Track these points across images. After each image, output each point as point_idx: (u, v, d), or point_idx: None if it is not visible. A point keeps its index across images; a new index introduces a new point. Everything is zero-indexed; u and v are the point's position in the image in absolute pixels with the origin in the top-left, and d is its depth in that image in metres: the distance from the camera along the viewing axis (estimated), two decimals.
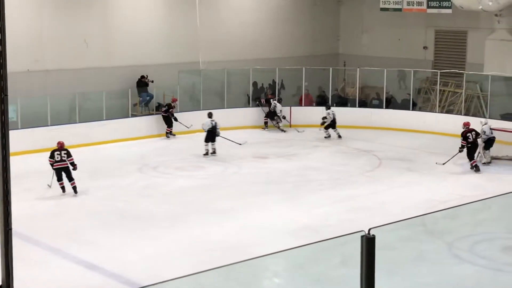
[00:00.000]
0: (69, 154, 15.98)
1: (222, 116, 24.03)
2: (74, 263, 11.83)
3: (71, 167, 15.99)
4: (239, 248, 12.64)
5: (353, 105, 25.79)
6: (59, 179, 15.97)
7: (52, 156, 15.96)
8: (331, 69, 25.98)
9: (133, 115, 23.35)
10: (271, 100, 24.54)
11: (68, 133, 21.14)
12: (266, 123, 24.64)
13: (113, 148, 21.35)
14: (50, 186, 16.17)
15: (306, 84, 26.06)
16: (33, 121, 20.85)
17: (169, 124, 22.77)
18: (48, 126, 20.96)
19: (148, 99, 24.10)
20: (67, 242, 12.84)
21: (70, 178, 15.97)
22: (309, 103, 26.31)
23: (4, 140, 6.68)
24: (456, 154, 18.46)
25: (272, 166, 19.30)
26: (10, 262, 6.89)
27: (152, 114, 23.78)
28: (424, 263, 10.45)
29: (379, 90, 26.04)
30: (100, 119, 22.05)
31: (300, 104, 26.08)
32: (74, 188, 16.06)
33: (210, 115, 20.62)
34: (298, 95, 26.64)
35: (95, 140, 21.35)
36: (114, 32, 24.29)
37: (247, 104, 26.12)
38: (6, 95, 6.64)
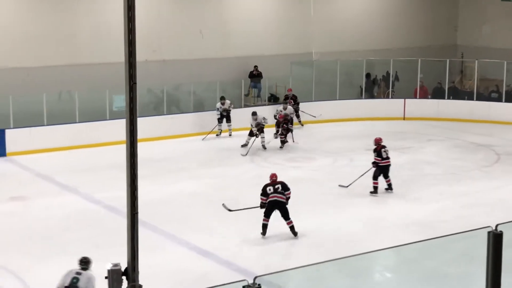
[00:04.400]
0: (285, 188, 12.96)
1: (334, 108, 23.95)
2: (187, 249, 12.09)
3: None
4: (351, 240, 12.53)
5: (471, 98, 24.95)
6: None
7: (264, 193, 12.94)
8: (447, 60, 25.24)
9: (245, 105, 23.60)
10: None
11: (182, 122, 21.69)
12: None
13: (225, 138, 21.64)
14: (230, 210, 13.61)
15: (421, 76, 25.42)
16: (149, 110, 21.48)
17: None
18: (164, 115, 21.53)
19: (257, 90, 24.35)
20: (180, 228, 13.13)
21: (286, 218, 12.94)
22: (423, 96, 25.68)
23: (132, 127, 6.89)
24: (364, 174, 15.74)
25: None
26: (136, 245, 7.09)
27: (265, 104, 23.94)
28: None
29: (498, 82, 25.07)
30: (213, 109, 22.43)
31: (414, 96, 25.50)
32: (292, 227, 12.95)
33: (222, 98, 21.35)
34: (412, 87, 26.06)
35: (209, 129, 21.70)
36: (228, 24, 24.60)
37: (359, 96, 25.82)
38: (135, 83, 6.87)
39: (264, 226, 12.83)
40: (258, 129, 19.71)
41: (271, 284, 8.72)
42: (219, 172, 17.62)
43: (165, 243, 12.32)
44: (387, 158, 15.49)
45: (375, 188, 15.46)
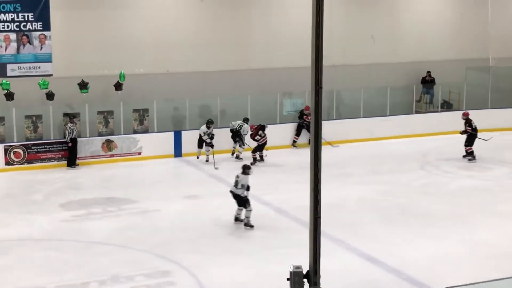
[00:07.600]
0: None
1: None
2: (355, 255, 11.99)
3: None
4: None
5: None
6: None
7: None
8: None
9: (417, 112, 23.10)
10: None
11: (351, 128, 21.60)
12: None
13: (396, 144, 21.28)
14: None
15: None
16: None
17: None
18: (333, 120, 21.55)
19: (429, 96, 23.76)
20: (348, 234, 13.05)
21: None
22: None
23: (317, 131, 6.92)
24: None
25: None
26: (318, 249, 7.11)
27: (437, 111, 23.30)
28: None
29: None
30: (383, 114, 22.15)
31: None
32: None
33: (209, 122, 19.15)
34: None
35: (378, 135, 21.48)
36: (400, 28, 24.21)
37: None
38: (321, 88, 6.95)
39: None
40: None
41: None
42: (388, 179, 17.35)
43: (333, 248, 12.28)
44: None
45: None
